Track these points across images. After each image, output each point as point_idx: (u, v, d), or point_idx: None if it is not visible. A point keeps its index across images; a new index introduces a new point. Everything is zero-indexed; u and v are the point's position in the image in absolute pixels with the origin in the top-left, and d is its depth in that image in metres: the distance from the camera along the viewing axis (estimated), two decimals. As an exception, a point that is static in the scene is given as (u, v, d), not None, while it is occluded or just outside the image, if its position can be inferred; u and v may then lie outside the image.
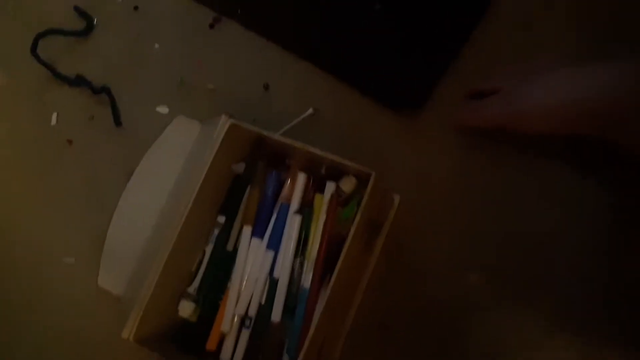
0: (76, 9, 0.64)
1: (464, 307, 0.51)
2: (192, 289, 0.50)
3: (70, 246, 0.60)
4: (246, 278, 0.49)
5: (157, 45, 0.62)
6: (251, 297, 0.49)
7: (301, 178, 0.49)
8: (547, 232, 0.51)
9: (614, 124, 0.42)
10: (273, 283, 0.48)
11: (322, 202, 0.48)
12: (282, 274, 0.48)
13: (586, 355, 0.48)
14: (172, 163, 0.55)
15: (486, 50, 0.54)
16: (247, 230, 0.50)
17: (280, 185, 0.51)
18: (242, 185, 0.51)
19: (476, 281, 0.51)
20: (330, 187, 0.48)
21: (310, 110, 0.56)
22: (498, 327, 0.50)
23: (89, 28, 0.63)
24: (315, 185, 0.50)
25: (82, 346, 0.57)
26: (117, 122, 0.61)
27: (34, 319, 0.59)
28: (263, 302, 0.48)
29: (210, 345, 0.49)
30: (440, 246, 0.53)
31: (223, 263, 0.50)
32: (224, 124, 0.48)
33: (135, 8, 0.64)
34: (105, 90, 0.61)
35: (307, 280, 0.46)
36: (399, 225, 0.52)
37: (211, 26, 0.61)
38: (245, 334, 0.48)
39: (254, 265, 0.49)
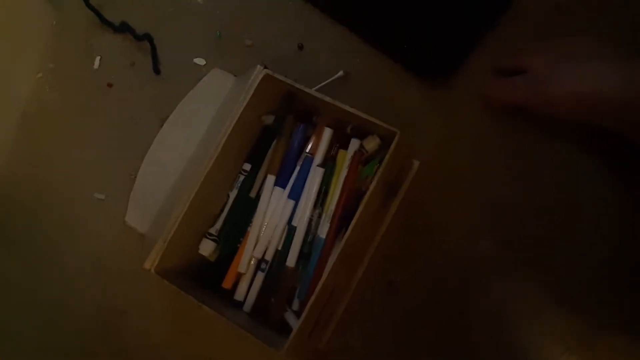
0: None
1: (472, 272, 0.51)
2: (214, 229, 0.51)
3: (102, 183, 0.61)
4: (266, 224, 0.50)
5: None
6: (269, 242, 0.49)
7: (327, 133, 0.50)
8: (563, 209, 0.51)
9: None
10: (291, 230, 0.48)
11: (345, 158, 0.48)
12: (300, 222, 0.48)
13: (584, 329, 0.48)
14: (205, 112, 0.56)
15: (520, 26, 0.53)
16: (271, 179, 0.51)
17: (306, 139, 0.51)
18: (270, 136, 0.52)
19: (488, 249, 0.51)
20: (354, 144, 0.49)
21: (340, 73, 0.56)
22: (503, 294, 0.51)
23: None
24: (340, 142, 0.50)
25: (105, 274, 0.60)
26: (156, 70, 0.62)
27: (62, 248, 0.61)
28: (280, 248, 0.49)
29: (226, 283, 0.50)
30: (456, 213, 0.52)
31: (245, 208, 0.51)
32: (258, 73, 0.48)
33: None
34: (147, 38, 0.61)
35: (323, 230, 0.47)
36: (417, 189, 0.53)
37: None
38: (260, 277, 0.49)
39: (275, 213, 0.50)
